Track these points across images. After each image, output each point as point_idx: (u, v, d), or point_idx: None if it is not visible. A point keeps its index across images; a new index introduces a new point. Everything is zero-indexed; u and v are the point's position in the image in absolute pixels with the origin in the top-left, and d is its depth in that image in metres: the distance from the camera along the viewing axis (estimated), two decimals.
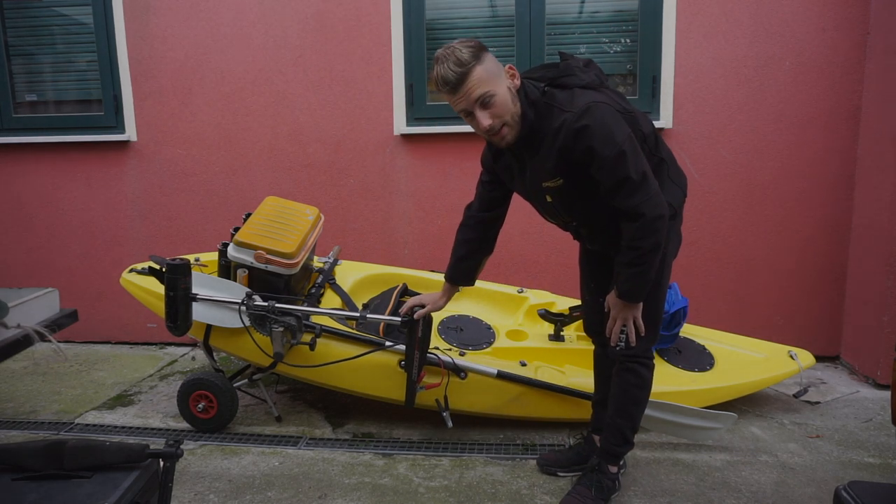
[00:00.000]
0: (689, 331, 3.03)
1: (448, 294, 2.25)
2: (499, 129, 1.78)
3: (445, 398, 2.45)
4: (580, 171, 1.80)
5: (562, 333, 2.85)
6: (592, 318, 2.22)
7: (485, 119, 1.75)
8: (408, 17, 3.55)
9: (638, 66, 3.46)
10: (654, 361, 2.10)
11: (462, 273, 2.21)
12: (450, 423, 2.39)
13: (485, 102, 1.73)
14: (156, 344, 3.97)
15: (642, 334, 1.93)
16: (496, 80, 1.74)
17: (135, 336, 3.98)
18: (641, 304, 1.90)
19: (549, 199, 1.91)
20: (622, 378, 2.05)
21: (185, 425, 2.71)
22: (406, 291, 3.04)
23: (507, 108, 1.76)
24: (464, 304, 3.12)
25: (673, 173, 1.97)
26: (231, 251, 2.55)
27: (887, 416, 2.77)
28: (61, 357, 3.72)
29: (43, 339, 2.40)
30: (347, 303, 2.88)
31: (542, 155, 1.83)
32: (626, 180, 1.72)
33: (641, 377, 2.04)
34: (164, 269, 2.45)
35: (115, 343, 4.00)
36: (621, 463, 2.14)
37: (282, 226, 2.63)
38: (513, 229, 3.55)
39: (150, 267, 2.66)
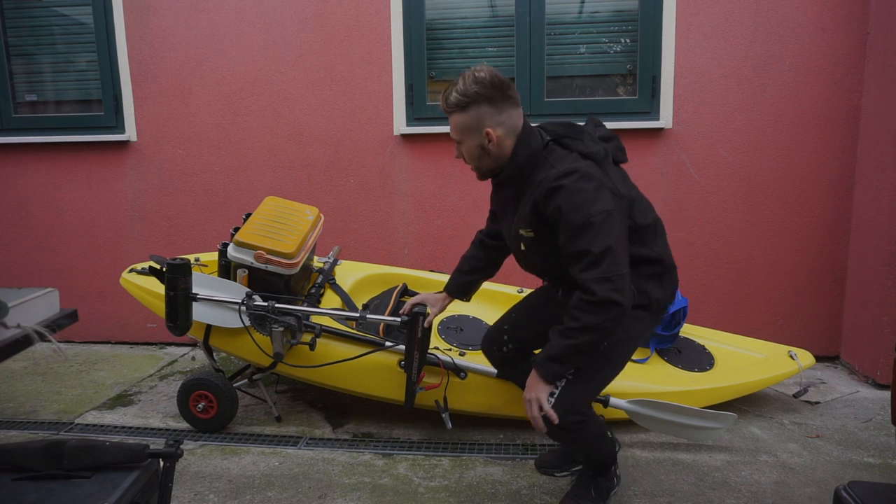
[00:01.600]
0: (689, 331, 3.03)
1: (443, 302, 2.28)
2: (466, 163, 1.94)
3: (445, 399, 2.45)
4: (551, 229, 1.77)
5: None
6: (516, 334, 2.18)
7: (455, 151, 1.94)
8: (408, 17, 3.55)
9: (638, 66, 3.46)
10: (606, 402, 2.07)
11: (458, 286, 2.25)
12: (449, 425, 2.39)
13: (456, 142, 1.90)
14: (156, 344, 3.97)
15: (554, 422, 1.76)
16: (469, 133, 1.84)
17: (135, 336, 3.98)
18: (545, 391, 1.76)
19: (523, 247, 1.90)
20: (568, 437, 1.87)
21: (185, 425, 2.72)
22: (406, 291, 3.04)
23: (470, 157, 1.90)
24: (464, 304, 3.12)
25: (666, 278, 1.90)
26: (231, 251, 2.55)
27: (887, 416, 2.77)
28: (61, 357, 3.72)
29: (43, 339, 2.40)
30: (347, 303, 2.88)
31: (523, 202, 1.85)
32: (586, 253, 1.66)
33: (583, 435, 1.86)
34: (164, 269, 2.45)
35: (115, 343, 4.00)
36: (616, 471, 2.13)
37: (282, 226, 2.63)
38: None
39: (150, 267, 2.66)
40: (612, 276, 1.65)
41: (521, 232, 1.86)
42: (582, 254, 1.67)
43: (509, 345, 2.18)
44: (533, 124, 1.89)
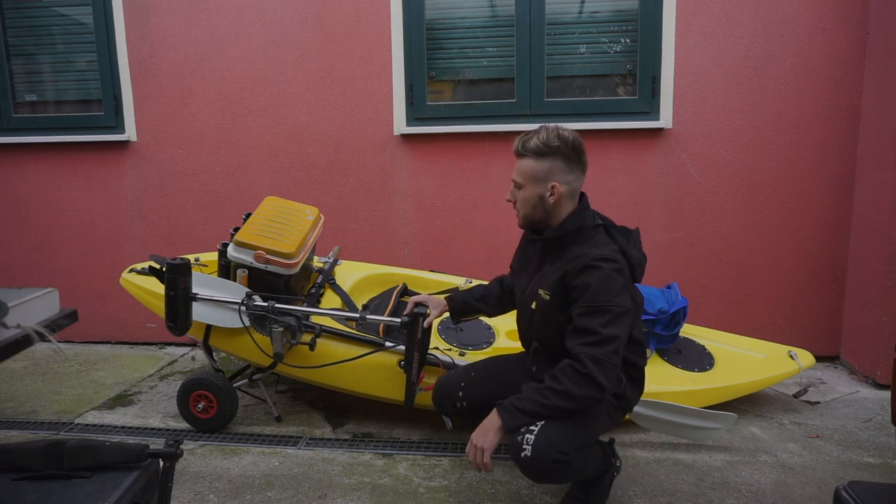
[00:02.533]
0: (689, 331, 3.03)
1: (442, 309, 2.28)
2: (515, 208, 1.96)
3: None
4: (567, 302, 1.82)
5: None
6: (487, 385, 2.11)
7: (508, 193, 1.96)
8: (408, 17, 3.55)
9: (638, 66, 3.46)
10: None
11: (460, 304, 2.26)
12: (449, 425, 2.38)
13: (515, 185, 1.93)
14: (156, 344, 3.97)
15: (487, 471, 1.76)
16: (534, 181, 1.87)
17: (135, 336, 3.98)
18: (495, 440, 1.75)
19: (534, 306, 1.94)
20: (546, 478, 1.77)
21: (185, 425, 2.72)
22: (406, 291, 3.04)
23: (524, 205, 1.92)
24: None
25: (639, 388, 2.00)
26: (231, 251, 2.55)
27: (887, 416, 2.77)
28: (61, 357, 3.72)
29: (43, 339, 2.40)
30: (347, 303, 2.88)
31: (555, 266, 1.89)
32: (594, 332, 1.72)
33: (563, 475, 1.78)
34: (164, 269, 2.45)
35: (115, 343, 4.00)
36: (616, 463, 2.12)
37: (282, 226, 2.63)
38: (514, 229, 3.55)
39: (150, 267, 2.66)
40: (606, 363, 1.70)
41: (540, 292, 1.90)
42: (589, 331, 1.72)
43: (463, 402, 2.11)
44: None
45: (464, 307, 2.26)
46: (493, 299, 2.25)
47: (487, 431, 1.76)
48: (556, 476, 1.76)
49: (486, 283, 2.40)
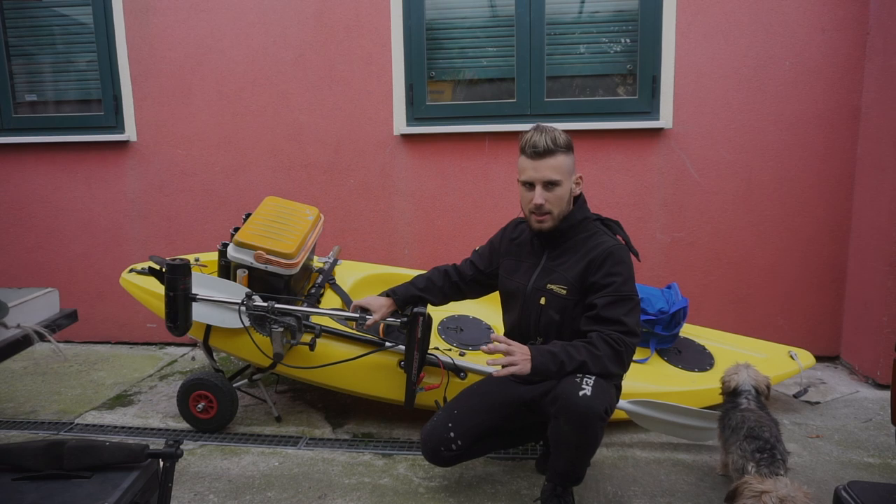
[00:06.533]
0: (689, 331, 3.03)
1: (388, 308, 2.27)
2: (544, 213, 1.95)
3: (445, 399, 2.45)
4: (584, 294, 1.92)
5: None
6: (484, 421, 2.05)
7: (539, 198, 1.92)
8: (408, 17, 3.55)
9: (638, 66, 3.46)
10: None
11: (404, 297, 2.27)
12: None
13: (548, 185, 1.92)
14: (156, 344, 3.97)
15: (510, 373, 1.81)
16: (567, 176, 1.95)
17: (135, 336, 3.98)
18: (526, 369, 1.80)
19: (543, 301, 1.97)
20: (590, 429, 1.78)
21: (184, 425, 2.71)
22: None
23: (560, 203, 1.95)
24: (463, 304, 3.12)
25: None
26: (231, 251, 2.54)
27: (887, 416, 2.77)
28: (61, 357, 3.72)
29: (43, 339, 2.40)
30: (347, 303, 2.88)
31: (566, 260, 1.96)
32: (620, 322, 1.83)
33: (598, 436, 1.82)
34: (163, 270, 2.45)
35: (115, 343, 4.00)
36: None
37: (282, 226, 2.63)
38: None
39: (150, 267, 2.66)
40: (631, 353, 1.85)
41: (552, 287, 1.95)
42: (618, 322, 1.83)
43: (458, 441, 2.00)
44: None
45: (410, 300, 2.28)
46: (436, 289, 2.28)
47: (525, 360, 1.79)
48: (595, 429, 1.76)
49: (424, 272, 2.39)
